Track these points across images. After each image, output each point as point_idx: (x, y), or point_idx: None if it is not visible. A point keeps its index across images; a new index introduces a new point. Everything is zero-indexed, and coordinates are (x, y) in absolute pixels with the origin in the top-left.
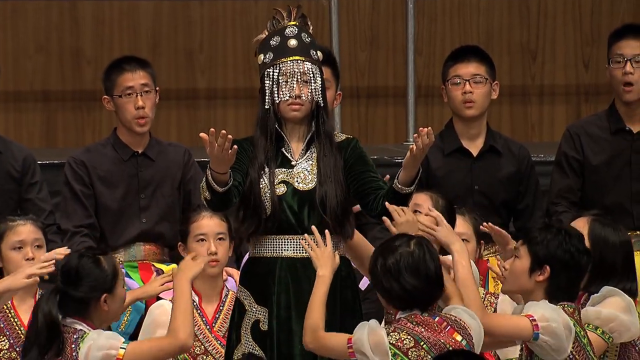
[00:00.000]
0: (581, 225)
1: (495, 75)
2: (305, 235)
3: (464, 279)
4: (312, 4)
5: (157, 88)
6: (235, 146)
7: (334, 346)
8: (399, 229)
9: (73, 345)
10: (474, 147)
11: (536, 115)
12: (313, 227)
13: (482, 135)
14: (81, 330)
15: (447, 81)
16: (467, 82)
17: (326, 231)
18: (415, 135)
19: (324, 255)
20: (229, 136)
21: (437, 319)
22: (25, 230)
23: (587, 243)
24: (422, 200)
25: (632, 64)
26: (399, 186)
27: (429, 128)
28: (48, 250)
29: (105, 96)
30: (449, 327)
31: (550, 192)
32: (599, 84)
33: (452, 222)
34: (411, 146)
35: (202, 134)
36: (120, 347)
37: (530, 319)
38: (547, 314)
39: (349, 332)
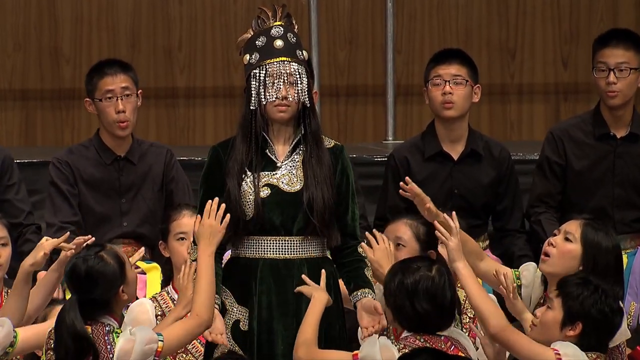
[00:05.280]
0: (573, 228)
1: (477, 78)
2: (303, 275)
3: (478, 293)
4: (291, 3)
5: (140, 91)
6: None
7: None
8: (375, 256)
9: (106, 338)
10: (455, 151)
11: (515, 114)
12: (303, 275)
13: (464, 138)
14: (109, 324)
15: (428, 82)
16: (447, 83)
17: (322, 271)
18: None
19: (319, 288)
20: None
21: (442, 338)
22: None
23: (579, 247)
24: (403, 231)
25: (616, 73)
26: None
27: (382, 316)
28: (14, 249)
29: (87, 99)
30: (454, 346)
31: (530, 195)
32: (578, 82)
33: (433, 246)
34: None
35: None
36: (159, 340)
37: (555, 352)
38: (571, 353)
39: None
